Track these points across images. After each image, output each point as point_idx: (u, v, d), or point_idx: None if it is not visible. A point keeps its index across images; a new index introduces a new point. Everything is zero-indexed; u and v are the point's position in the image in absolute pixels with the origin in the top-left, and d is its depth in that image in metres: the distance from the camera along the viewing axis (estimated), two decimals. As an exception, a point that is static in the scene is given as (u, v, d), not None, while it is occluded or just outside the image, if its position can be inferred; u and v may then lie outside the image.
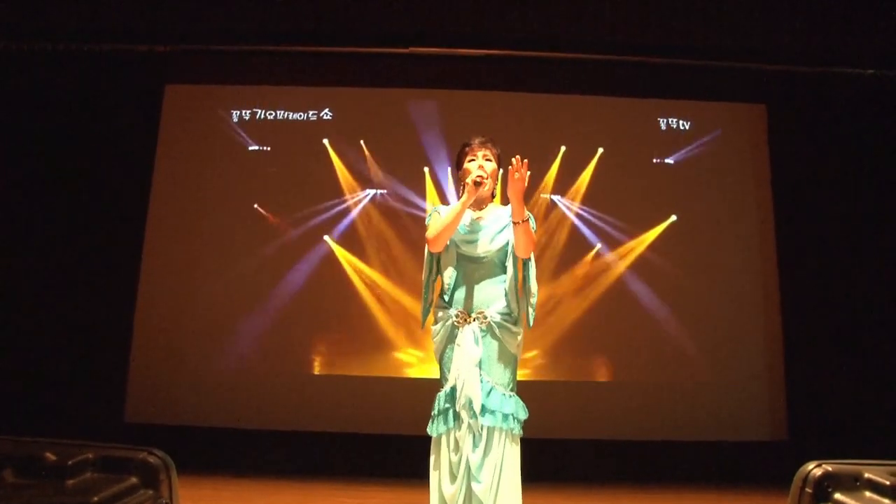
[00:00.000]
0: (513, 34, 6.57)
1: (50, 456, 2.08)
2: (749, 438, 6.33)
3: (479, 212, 3.30)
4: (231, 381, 6.39)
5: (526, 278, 3.26)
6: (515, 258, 3.21)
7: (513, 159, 3.05)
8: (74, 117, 6.68)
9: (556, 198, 6.79)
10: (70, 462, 2.07)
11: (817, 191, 6.66)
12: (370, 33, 6.60)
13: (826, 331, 6.40)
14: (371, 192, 6.79)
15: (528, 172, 3.07)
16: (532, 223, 3.19)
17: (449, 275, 3.23)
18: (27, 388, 6.15)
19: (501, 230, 3.25)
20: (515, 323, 3.19)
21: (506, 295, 3.22)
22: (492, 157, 3.31)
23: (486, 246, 3.22)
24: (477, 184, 3.16)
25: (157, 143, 6.78)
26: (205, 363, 6.43)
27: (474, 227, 3.25)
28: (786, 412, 6.38)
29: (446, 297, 3.21)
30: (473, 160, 3.28)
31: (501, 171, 3.24)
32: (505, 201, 3.31)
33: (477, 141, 3.33)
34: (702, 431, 6.30)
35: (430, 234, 3.21)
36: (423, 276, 3.34)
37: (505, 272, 3.24)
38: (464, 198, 3.18)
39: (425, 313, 3.35)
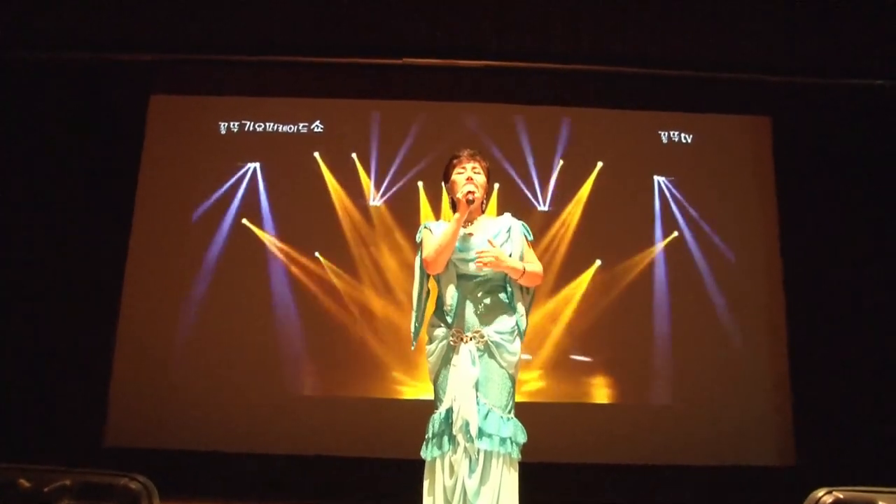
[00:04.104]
0: (509, 45, 6.54)
1: (24, 483, 2.05)
2: (755, 463, 6.27)
3: (471, 226, 3.31)
4: (217, 403, 6.31)
5: (524, 294, 3.31)
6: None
7: (478, 261, 3.14)
8: (55, 129, 6.62)
9: (553, 212, 6.77)
10: (46, 489, 2.04)
11: (825, 206, 6.61)
12: (363, 43, 6.57)
13: (835, 351, 6.33)
14: (363, 207, 6.77)
15: (488, 252, 3.13)
16: (529, 235, 3.28)
17: (451, 294, 3.22)
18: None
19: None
20: (513, 342, 3.19)
21: (514, 309, 3.23)
22: (481, 171, 3.33)
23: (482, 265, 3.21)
24: (469, 202, 3.18)
25: (142, 156, 6.72)
26: (190, 384, 6.36)
27: (468, 245, 3.25)
28: (793, 435, 6.31)
29: (449, 318, 3.20)
30: (462, 172, 3.31)
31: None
32: (499, 212, 3.41)
33: (465, 153, 3.36)
34: (705, 455, 6.24)
35: (427, 254, 3.21)
36: (414, 294, 3.35)
37: (502, 290, 3.25)
38: (457, 215, 3.20)
39: (416, 332, 3.36)
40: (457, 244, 3.21)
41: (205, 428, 6.23)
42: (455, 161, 3.36)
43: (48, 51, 6.48)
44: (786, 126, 6.86)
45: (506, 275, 3.25)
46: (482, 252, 3.14)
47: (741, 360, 6.48)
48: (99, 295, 6.44)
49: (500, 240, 3.27)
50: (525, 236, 3.35)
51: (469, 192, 3.20)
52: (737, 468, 6.24)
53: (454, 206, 3.36)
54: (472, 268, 3.21)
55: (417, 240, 3.37)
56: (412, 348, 3.45)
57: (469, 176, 3.28)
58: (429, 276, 3.33)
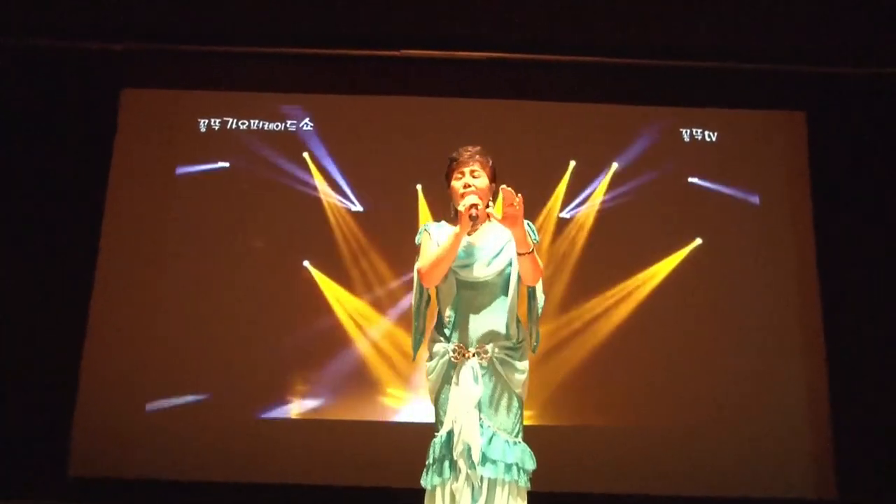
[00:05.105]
0: (516, 35, 6.59)
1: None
2: (788, 495, 6.17)
3: (475, 233, 3.24)
4: (193, 427, 6.23)
5: (532, 299, 3.28)
6: (518, 281, 3.19)
7: (501, 189, 3.02)
8: (14, 127, 6.56)
9: (564, 218, 6.72)
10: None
11: (865, 210, 6.55)
12: (357, 34, 6.58)
13: (879, 370, 6.25)
14: (357, 211, 6.73)
15: (519, 196, 2.99)
16: (534, 235, 3.21)
17: (450, 305, 3.19)
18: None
19: (499, 252, 3.20)
20: (521, 359, 3.14)
21: (520, 321, 3.19)
22: (481, 172, 3.25)
23: (483, 269, 3.18)
24: (472, 217, 3.06)
25: (112, 157, 6.66)
26: (164, 406, 6.27)
27: (470, 250, 3.20)
28: (834, 465, 6.21)
29: (447, 331, 3.17)
30: (460, 178, 3.24)
31: (503, 188, 3.10)
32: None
33: (465, 154, 3.29)
34: (733, 486, 6.15)
35: (422, 266, 3.18)
36: (413, 302, 3.31)
37: (507, 299, 3.19)
38: (456, 229, 3.11)
39: (416, 344, 3.33)
40: (460, 251, 3.16)
41: (179, 455, 6.14)
42: (453, 164, 3.28)
43: (5, 36, 6.43)
44: (822, 121, 6.79)
45: (508, 280, 3.19)
46: (511, 192, 2.98)
47: (772, 379, 6.39)
48: (64, 307, 6.36)
49: (501, 242, 3.21)
50: (530, 236, 3.24)
51: (472, 205, 3.07)
52: (768, 501, 6.14)
53: (456, 212, 3.26)
54: (475, 274, 3.16)
55: (417, 242, 3.34)
56: (413, 360, 3.46)
57: (467, 182, 3.20)
58: None
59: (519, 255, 3.09)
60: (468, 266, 3.16)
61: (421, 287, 3.27)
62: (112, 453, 6.14)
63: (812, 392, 6.37)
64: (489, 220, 3.26)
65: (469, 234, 3.21)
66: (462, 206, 3.09)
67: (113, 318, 6.43)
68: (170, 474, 6.07)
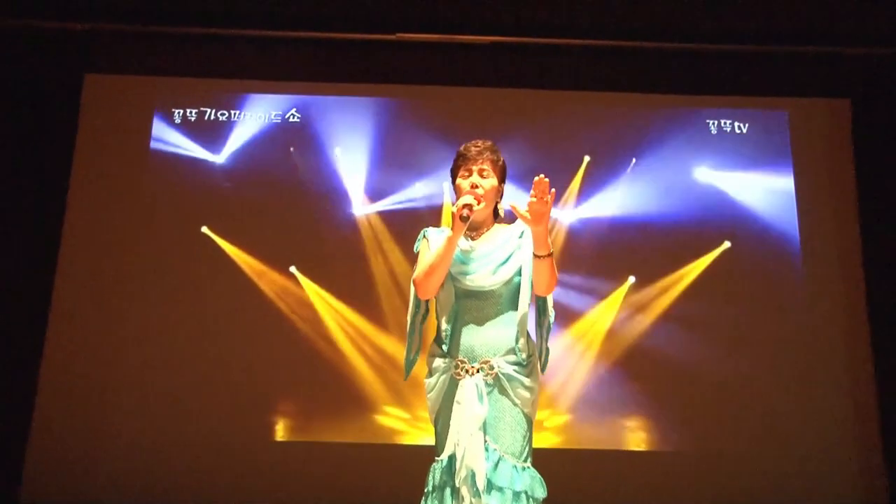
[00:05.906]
0: (524, 18, 6.52)
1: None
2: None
3: (480, 237, 3.20)
4: (167, 450, 6.09)
5: (542, 313, 3.23)
6: (530, 291, 3.12)
7: (535, 181, 2.90)
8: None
9: (577, 218, 6.63)
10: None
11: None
12: (350, 16, 6.48)
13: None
14: (348, 213, 6.66)
15: (553, 190, 2.91)
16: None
17: (448, 315, 3.13)
18: None
19: (507, 259, 3.13)
20: (530, 375, 3.07)
21: (528, 334, 3.12)
22: (490, 172, 3.19)
23: (488, 278, 3.10)
24: (463, 218, 3.00)
25: (75, 151, 6.55)
26: (129, 425, 6.15)
27: (473, 256, 3.15)
28: (886, 473, 6.11)
29: (445, 347, 3.11)
30: (467, 176, 3.18)
31: (538, 178, 2.92)
32: (512, 219, 3.25)
33: (473, 150, 3.21)
34: (773, 495, 6.05)
35: (417, 276, 3.14)
36: (409, 315, 3.27)
37: (513, 310, 3.13)
38: (449, 233, 3.08)
39: (409, 362, 3.27)
40: (461, 256, 3.11)
41: (151, 481, 6.01)
42: (461, 160, 3.22)
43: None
44: (869, 110, 6.66)
45: (516, 289, 3.12)
46: (545, 183, 2.85)
47: (815, 391, 6.29)
48: (20, 315, 6.25)
49: (509, 248, 3.14)
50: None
51: (465, 205, 3.02)
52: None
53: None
54: (478, 283, 3.08)
55: (415, 250, 3.28)
56: (405, 380, 3.36)
57: (474, 182, 3.13)
58: None
59: (536, 257, 2.99)
60: (471, 273, 3.09)
61: (417, 298, 3.21)
62: (67, 478, 5.99)
63: (859, 403, 6.29)
64: (496, 222, 3.26)
65: (473, 238, 3.16)
66: (455, 207, 3.06)
67: (75, 325, 6.31)
68: (144, 501, 5.97)
